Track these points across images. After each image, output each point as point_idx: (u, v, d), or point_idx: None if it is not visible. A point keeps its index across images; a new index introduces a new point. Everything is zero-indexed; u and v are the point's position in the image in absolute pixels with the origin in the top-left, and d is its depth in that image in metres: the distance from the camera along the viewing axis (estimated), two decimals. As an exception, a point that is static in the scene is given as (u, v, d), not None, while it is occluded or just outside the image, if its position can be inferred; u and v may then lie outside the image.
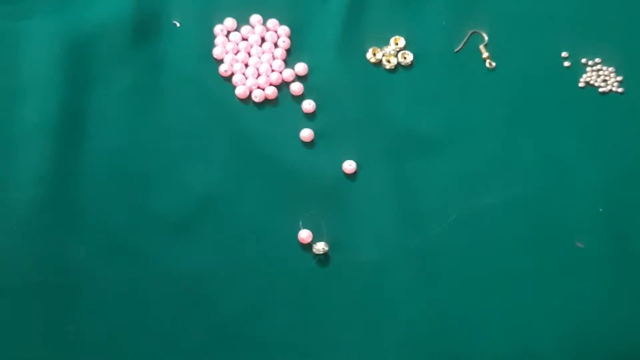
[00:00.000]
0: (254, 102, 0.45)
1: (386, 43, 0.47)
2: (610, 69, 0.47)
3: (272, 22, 0.47)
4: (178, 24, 0.47)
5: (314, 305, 0.40)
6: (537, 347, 0.39)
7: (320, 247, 0.40)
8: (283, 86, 0.46)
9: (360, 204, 0.42)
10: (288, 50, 0.47)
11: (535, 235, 0.42)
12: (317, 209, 0.42)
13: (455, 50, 0.47)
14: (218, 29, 0.47)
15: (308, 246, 0.41)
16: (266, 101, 0.45)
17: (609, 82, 0.46)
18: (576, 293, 0.40)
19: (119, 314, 0.39)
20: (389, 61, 0.46)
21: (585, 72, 0.47)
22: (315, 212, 0.42)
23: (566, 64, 0.47)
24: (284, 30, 0.47)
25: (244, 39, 0.47)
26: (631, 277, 0.40)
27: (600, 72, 0.47)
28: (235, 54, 0.46)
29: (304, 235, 0.41)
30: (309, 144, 0.44)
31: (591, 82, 0.46)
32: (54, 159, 0.42)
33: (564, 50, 0.47)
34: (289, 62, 0.46)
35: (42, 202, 0.41)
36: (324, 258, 0.41)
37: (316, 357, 0.39)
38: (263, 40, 0.47)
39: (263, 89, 0.45)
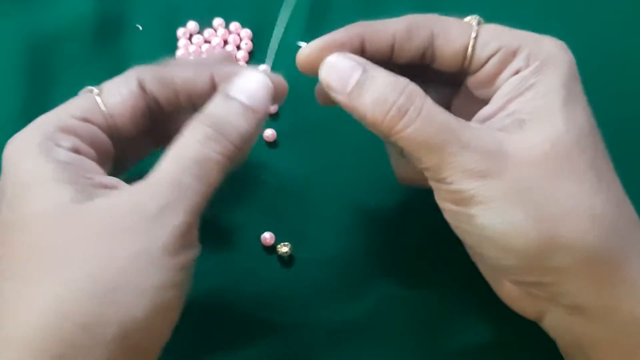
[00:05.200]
0: (216, 103, 0.45)
1: (347, 45, 0.48)
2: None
3: (234, 25, 0.47)
4: (141, 27, 0.47)
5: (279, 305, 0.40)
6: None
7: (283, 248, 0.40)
8: (246, 88, 0.46)
9: (324, 204, 0.43)
10: (250, 53, 0.47)
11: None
12: (281, 208, 0.42)
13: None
14: (181, 32, 0.47)
15: (271, 248, 0.41)
16: (229, 102, 0.45)
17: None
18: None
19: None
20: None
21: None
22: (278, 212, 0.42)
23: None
24: (247, 33, 0.47)
25: (207, 42, 0.47)
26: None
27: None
28: (198, 56, 0.46)
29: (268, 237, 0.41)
30: (272, 144, 0.44)
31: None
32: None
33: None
34: (251, 64, 0.47)
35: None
36: (288, 259, 0.41)
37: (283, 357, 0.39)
38: (225, 42, 0.47)
39: (226, 91, 0.45)
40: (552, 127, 0.30)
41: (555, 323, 0.33)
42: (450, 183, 0.31)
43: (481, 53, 0.33)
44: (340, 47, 0.33)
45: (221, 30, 0.47)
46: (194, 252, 0.29)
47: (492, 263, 0.33)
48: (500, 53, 0.32)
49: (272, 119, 0.45)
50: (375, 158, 0.42)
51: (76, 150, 0.30)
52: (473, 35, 0.33)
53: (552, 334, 0.34)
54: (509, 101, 0.32)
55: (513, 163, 0.30)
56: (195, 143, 0.29)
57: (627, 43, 0.49)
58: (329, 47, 0.33)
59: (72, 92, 0.44)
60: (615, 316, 0.30)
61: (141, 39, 0.47)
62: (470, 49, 0.33)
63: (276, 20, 0.48)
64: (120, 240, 0.27)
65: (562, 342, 0.34)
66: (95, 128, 0.31)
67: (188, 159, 0.29)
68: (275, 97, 0.33)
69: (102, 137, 0.32)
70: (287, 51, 0.47)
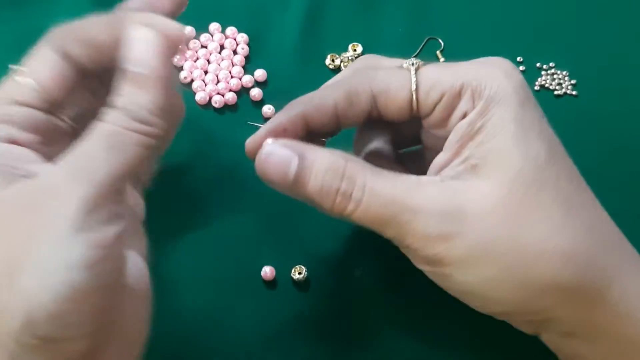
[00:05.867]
0: (214, 107, 0.45)
1: (344, 49, 0.48)
2: (564, 72, 0.48)
3: (230, 30, 0.47)
4: (137, 33, 0.47)
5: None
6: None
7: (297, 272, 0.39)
8: (242, 92, 0.46)
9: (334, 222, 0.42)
10: (247, 57, 0.47)
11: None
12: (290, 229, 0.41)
13: (412, 56, 0.48)
14: (177, 37, 0.47)
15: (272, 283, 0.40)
16: (226, 107, 0.45)
17: (563, 85, 0.47)
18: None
19: None
20: (347, 67, 0.47)
21: (540, 75, 0.48)
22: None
23: (521, 68, 0.48)
24: (243, 37, 0.47)
25: (203, 47, 0.47)
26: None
27: (555, 76, 0.48)
28: (195, 61, 0.46)
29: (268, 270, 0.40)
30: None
31: (546, 85, 0.48)
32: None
33: (519, 55, 0.48)
34: (248, 68, 0.47)
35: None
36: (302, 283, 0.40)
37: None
38: (222, 47, 0.47)
39: (223, 95, 0.45)
40: (506, 168, 0.29)
41: (551, 341, 0.33)
42: (416, 249, 0.30)
43: (426, 102, 0.32)
44: (283, 133, 0.32)
45: (217, 35, 0.47)
46: (114, 228, 0.26)
47: (480, 310, 0.33)
48: (445, 99, 0.31)
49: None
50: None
51: (11, 140, 0.29)
52: (413, 87, 0.32)
53: (552, 348, 0.34)
54: (461, 147, 0.31)
55: (471, 218, 0.29)
56: (107, 125, 0.27)
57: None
58: (273, 134, 0.32)
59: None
60: (607, 337, 0.30)
61: (138, 45, 0.47)
62: (414, 102, 0.32)
63: (272, 24, 0.48)
64: (25, 219, 0.25)
65: (561, 356, 0.34)
66: (34, 111, 0.30)
67: (98, 134, 0.27)
68: (173, 48, 0.29)
69: (43, 117, 0.30)
70: (285, 55, 0.48)
